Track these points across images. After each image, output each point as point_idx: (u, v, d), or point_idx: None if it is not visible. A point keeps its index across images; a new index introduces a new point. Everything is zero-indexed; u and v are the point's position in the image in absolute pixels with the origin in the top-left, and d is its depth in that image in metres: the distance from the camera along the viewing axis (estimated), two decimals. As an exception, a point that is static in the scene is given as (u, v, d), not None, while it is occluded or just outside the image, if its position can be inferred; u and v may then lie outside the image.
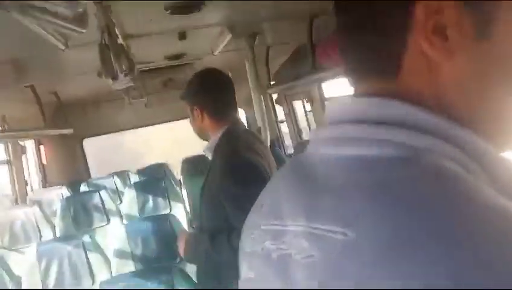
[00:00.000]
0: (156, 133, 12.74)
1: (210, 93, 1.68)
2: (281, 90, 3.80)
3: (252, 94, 2.91)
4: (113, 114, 5.90)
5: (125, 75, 1.35)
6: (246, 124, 2.64)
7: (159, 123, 6.73)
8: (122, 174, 5.39)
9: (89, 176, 6.03)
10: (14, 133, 2.99)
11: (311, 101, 4.49)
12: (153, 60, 3.42)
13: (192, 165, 5.71)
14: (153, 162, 6.13)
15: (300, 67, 3.25)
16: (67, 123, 4.49)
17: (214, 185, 1.55)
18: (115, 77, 1.32)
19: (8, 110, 3.79)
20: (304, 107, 4.99)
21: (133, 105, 5.92)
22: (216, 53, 3.42)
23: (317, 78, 2.61)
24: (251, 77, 2.90)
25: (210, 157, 1.69)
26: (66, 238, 2.78)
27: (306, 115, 4.91)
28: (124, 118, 5.99)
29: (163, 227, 2.70)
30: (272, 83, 3.56)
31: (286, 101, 4.91)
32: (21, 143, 4.49)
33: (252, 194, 0.58)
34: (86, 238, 2.66)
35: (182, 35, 2.59)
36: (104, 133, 6.69)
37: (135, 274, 1.78)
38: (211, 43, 3.32)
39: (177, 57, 3.42)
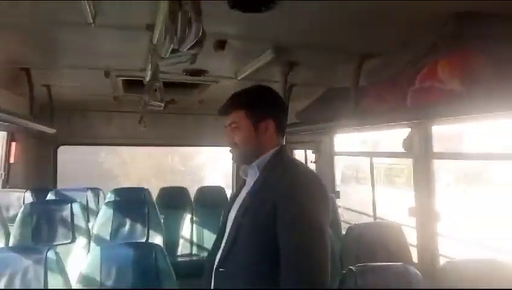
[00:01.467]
0: (135, 157, 12.28)
1: (281, 107, 1.59)
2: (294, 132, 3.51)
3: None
4: (98, 126, 5.50)
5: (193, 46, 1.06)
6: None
7: (146, 145, 6.34)
8: (95, 191, 4.87)
9: (55, 186, 5.48)
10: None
11: (318, 152, 4.22)
12: (170, 70, 3.08)
13: (170, 196, 5.29)
14: (126, 186, 5.68)
15: (329, 110, 3.02)
16: (52, 123, 4.06)
17: (268, 206, 1.37)
18: (181, 41, 1.01)
19: None
20: (305, 157, 4.73)
21: (122, 120, 5.57)
22: (240, 78, 3.17)
23: (359, 122, 2.34)
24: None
25: (246, 177, 1.57)
26: (25, 249, 2.27)
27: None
28: (109, 132, 5.59)
29: (146, 258, 2.25)
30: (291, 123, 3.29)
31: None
32: (-6, 134, 4.00)
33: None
34: (51, 254, 2.17)
35: (220, 46, 2.30)
36: (84, 144, 6.22)
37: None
38: (236, 66, 3.08)
39: (197, 72, 3.14)
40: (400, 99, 2.12)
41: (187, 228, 5.08)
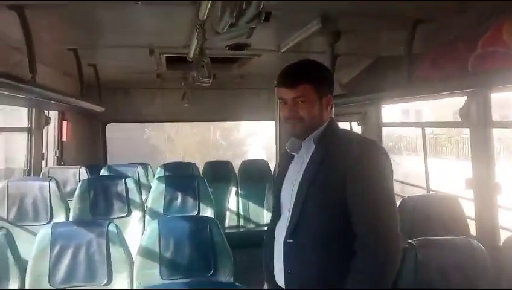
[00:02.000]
0: (179, 133, 12.52)
1: (333, 83, 1.61)
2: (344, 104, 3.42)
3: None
4: (142, 103, 5.63)
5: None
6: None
7: (187, 121, 6.45)
8: (144, 166, 5.02)
9: (106, 162, 5.71)
10: (48, 93, 2.64)
11: (364, 124, 4.12)
12: (212, 45, 3.05)
13: (214, 170, 5.39)
14: (172, 160, 5.82)
15: (377, 80, 2.92)
16: (101, 102, 4.19)
17: (341, 171, 1.41)
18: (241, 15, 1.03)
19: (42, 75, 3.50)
20: (350, 129, 4.64)
21: (164, 96, 5.66)
22: (283, 50, 3.11)
23: (413, 91, 2.25)
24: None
25: (294, 151, 1.59)
26: (87, 223, 2.39)
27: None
28: (152, 109, 5.71)
29: (201, 231, 2.32)
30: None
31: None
32: (46, 113, 4.16)
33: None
34: (112, 227, 2.27)
35: (265, 18, 2.25)
36: (130, 121, 6.40)
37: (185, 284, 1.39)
38: (280, 38, 3.01)
39: (240, 47, 3.11)
40: (459, 66, 2.01)
41: (233, 200, 5.18)
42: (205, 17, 1.93)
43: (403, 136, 16.54)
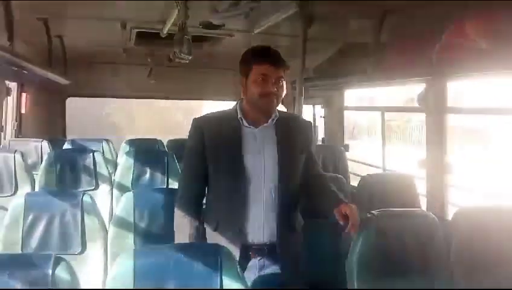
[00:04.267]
0: (139, 110, 12.27)
1: None
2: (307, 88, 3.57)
3: (297, 82, 2.68)
4: (106, 78, 5.52)
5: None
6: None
7: (152, 98, 6.36)
8: (108, 142, 4.97)
9: (65, 136, 5.59)
10: (14, 59, 2.58)
11: (327, 107, 4.31)
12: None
13: (177, 147, 5.41)
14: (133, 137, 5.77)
15: (345, 65, 3.08)
16: (66, 74, 4.09)
17: (304, 140, 1.86)
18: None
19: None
20: (313, 111, 4.83)
21: (129, 73, 5.57)
22: (256, 32, 3.19)
23: (378, 77, 2.42)
24: (300, 64, 2.68)
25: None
26: (61, 193, 2.40)
27: (314, 120, 4.75)
28: (117, 84, 5.62)
29: (173, 203, 2.39)
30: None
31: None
32: (7, 84, 4.02)
33: None
34: (86, 197, 2.30)
35: None
36: (92, 96, 6.25)
37: (175, 247, 1.48)
38: (254, 20, 3.09)
39: (213, 26, 3.14)
40: (423, 56, 2.19)
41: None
42: None
43: (357, 121, 17.19)
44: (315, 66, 3.66)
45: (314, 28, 2.81)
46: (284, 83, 1.74)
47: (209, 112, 1.94)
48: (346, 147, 4.01)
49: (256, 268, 1.77)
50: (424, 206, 2.75)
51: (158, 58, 4.64)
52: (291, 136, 1.82)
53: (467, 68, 1.88)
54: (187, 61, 2.47)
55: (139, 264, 1.36)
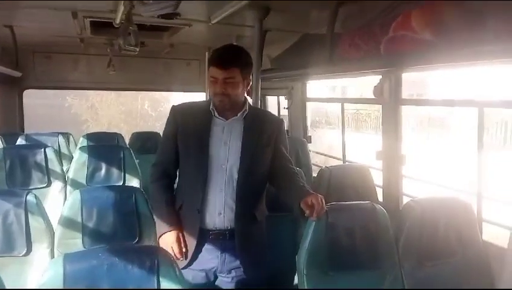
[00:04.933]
0: (104, 102, 11.95)
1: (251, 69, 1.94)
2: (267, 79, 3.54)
3: (254, 73, 2.63)
4: (65, 69, 5.31)
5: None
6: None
7: (114, 89, 6.20)
8: (65, 136, 4.80)
9: (23, 130, 5.36)
10: None
11: (290, 98, 4.29)
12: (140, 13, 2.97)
13: (142, 141, 5.30)
14: (96, 131, 5.62)
15: (303, 57, 3.05)
16: (18, 66, 3.90)
17: (270, 134, 1.94)
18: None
19: None
20: (278, 103, 4.80)
21: (89, 63, 5.38)
22: (214, 22, 3.11)
23: (334, 68, 2.40)
24: (256, 54, 2.63)
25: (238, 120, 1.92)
26: (4, 193, 2.27)
27: (279, 112, 4.72)
28: (76, 75, 5.42)
29: (126, 201, 2.31)
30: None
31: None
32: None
33: None
34: (30, 197, 2.19)
35: None
36: (51, 88, 6.02)
37: (108, 250, 1.42)
38: (210, 10, 3.01)
39: (169, 15, 3.05)
40: (374, 47, 2.18)
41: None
42: None
43: (329, 111, 17.36)
44: (275, 57, 3.62)
45: (272, 18, 2.76)
46: (237, 81, 1.82)
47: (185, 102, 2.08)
48: (309, 139, 4.01)
49: (217, 251, 1.88)
50: (380, 198, 2.77)
51: (117, 48, 4.49)
52: (257, 130, 1.91)
53: (416, 61, 1.88)
54: (135, 53, 2.38)
55: (69, 270, 1.30)
